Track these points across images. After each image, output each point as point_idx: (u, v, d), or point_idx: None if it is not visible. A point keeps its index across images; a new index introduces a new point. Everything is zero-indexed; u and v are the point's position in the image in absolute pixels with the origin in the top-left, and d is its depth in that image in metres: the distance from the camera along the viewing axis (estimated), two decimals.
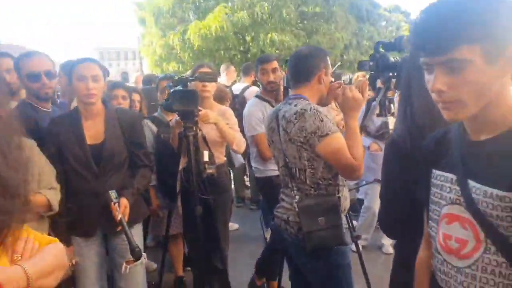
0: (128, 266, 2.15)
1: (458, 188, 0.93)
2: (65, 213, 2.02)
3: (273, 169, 2.69)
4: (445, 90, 0.84)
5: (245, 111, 2.96)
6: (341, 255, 1.81)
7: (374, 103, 1.91)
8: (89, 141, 2.14)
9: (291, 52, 13.10)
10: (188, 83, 2.49)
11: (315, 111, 1.73)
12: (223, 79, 6.17)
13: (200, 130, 2.53)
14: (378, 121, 3.01)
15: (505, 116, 0.87)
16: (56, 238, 1.17)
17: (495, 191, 0.84)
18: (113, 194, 2.05)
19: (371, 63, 1.89)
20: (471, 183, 0.89)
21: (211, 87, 2.71)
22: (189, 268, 3.25)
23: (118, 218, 2.00)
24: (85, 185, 2.12)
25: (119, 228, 2.05)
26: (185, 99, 2.37)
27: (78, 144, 2.11)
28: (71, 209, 2.06)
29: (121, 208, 2.05)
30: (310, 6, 15.13)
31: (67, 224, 2.06)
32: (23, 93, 2.52)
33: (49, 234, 1.95)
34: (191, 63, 14.66)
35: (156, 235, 3.67)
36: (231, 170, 4.51)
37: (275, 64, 2.91)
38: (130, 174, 2.26)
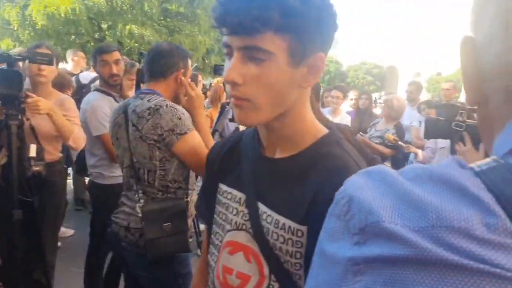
0: None
1: (246, 211, 0.78)
2: None
3: (119, 175, 2.44)
4: (240, 83, 0.69)
5: (86, 106, 2.55)
6: (182, 263, 1.72)
7: (227, 107, 1.89)
8: None
9: (151, 46, 12.71)
10: (17, 62, 2.07)
11: (172, 108, 1.61)
12: (69, 66, 5.56)
13: (28, 119, 2.12)
14: (232, 126, 3.04)
15: (302, 134, 0.76)
16: None
17: (288, 222, 0.71)
18: None
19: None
20: (262, 207, 0.76)
21: (48, 71, 2.31)
22: (1, 284, 2.72)
23: None
24: None
25: None
26: (6, 81, 1.95)
27: None
28: None
29: None
30: (174, 4, 14.89)
31: None
32: None
33: None
34: (32, 42, 12.75)
35: None
36: (70, 168, 4.00)
37: (117, 55, 2.60)
38: None
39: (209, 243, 0.90)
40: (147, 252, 1.60)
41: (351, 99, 4.90)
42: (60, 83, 3.02)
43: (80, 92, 4.58)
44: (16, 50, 5.98)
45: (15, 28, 12.22)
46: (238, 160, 0.84)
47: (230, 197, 0.83)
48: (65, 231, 3.78)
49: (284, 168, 0.76)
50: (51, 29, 12.03)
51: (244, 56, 0.68)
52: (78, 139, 2.34)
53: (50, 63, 2.16)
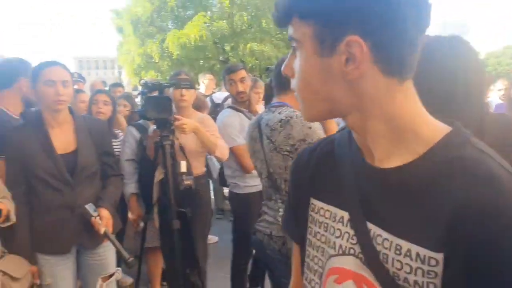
0: (104, 283, 2.05)
1: (352, 232, 0.65)
2: (29, 230, 1.90)
3: (253, 185, 2.58)
4: (291, 76, 0.65)
5: (219, 122, 2.81)
6: None
7: None
8: (58, 151, 1.98)
9: (271, 62, 13.26)
10: (164, 90, 2.37)
11: (301, 118, 1.64)
12: (201, 89, 6.09)
13: (177, 139, 2.40)
14: None
15: (407, 135, 0.62)
16: None
17: (416, 248, 0.57)
18: (90, 208, 1.94)
19: None
20: (374, 228, 0.62)
21: (189, 95, 2.59)
22: (165, 283, 3.10)
23: (102, 231, 1.93)
24: (58, 198, 1.95)
25: (105, 241, 2.01)
26: (159, 106, 2.24)
27: (47, 155, 1.93)
28: (40, 225, 1.92)
29: (104, 220, 1.97)
30: None
31: (32, 241, 1.91)
32: None
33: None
34: (170, 72, 14.52)
35: (133, 248, 3.49)
36: (210, 181, 4.38)
37: (242, 73, 2.80)
38: (102, 185, 2.15)
39: (303, 266, 0.78)
40: (290, 259, 1.64)
41: (499, 90, 4.28)
42: (197, 105, 3.35)
43: (215, 111, 5.03)
44: (148, 79, 6.90)
45: (156, 61, 14.12)
46: (333, 170, 0.71)
47: (329, 215, 0.70)
48: (210, 238, 4.13)
49: (399, 179, 0.61)
50: (184, 57, 13.53)
51: (293, 47, 0.64)
52: (223, 150, 2.57)
53: (191, 86, 2.43)
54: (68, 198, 1.96)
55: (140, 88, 4.97)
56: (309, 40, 0.59)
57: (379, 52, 0.56)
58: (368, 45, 0.56)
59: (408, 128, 0.61)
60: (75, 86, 4.61)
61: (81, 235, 2.01)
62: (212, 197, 4.96)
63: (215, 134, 2.62)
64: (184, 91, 2.53)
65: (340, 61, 0.58)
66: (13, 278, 1.68)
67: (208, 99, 5.33)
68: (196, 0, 13.68)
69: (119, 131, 3.23)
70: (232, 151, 2.69)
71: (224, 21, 13.37)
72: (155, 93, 2.37)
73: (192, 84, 2.44)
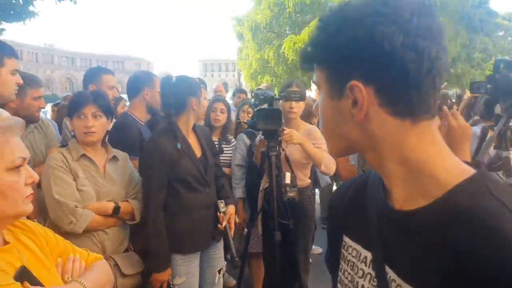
0: (220, 274, 2.25)
1: (373, 273, 0.66)
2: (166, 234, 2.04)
3: None
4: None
5: None
6: None
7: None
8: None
9: None
10: (274, 101, 2.40)
11: None
12: (313, 93, 5.98)
13: (283, 150, 2.41)
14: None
15: (421, 179, 0.60)
16: (100, 255, 1.23)
17: None
18: (221, 203, 2.20)
19: (488, 86, 1.54)
20: (390, 272, 0.62)
21: (298, 107, 2.59)
22: None
23: (223, 225, 2.15)
24: (198, 198, 2.13)
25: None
26: (269, 118, 2.28)
27: (190, 159, 2.11)
28: (182, 226, 2.09)
29: (228, 215, 2.20)
30: None
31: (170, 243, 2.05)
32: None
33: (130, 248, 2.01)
34: (285, 76, 14.83)
35: (238, 250, 3.63)
36: (317, 190, 4.31)
37: None
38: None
39: None
40: None
41: None
42: (308, 112, 3.31)
43: None
44: (263, 85, 7.03)
45: (272, 66, 14.53)
46: (363, 209, 0.71)
47: (355, 254, 0.71)
48: (314, 248, 4.06)
49: (413, 224, 0.60)
50: (299, 62, 13.63)
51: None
52: (329, 164, 2.49)
53: (301, 99, 2.42)
54: (206, 197, 2.16)
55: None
56: (324, 84, 0.65)
57: (383, 95, 0.58)
58: (371, 89, 0.58)
59: (424, 170, 0.60)
60: None
61: (213, 230, 2.20)
62: (318, 205, 4.91)
63: (322, 147, 2.55)
64: (293, 103, 2.53)
65: (348, 104, 0.61)
66: (122, 274, 1.82)
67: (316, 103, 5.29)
68: (314, 5, 13.67)
69: (232, 137, 3.38)
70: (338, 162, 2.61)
71: None
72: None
73: (302, 96, 2.42)
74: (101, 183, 1.90)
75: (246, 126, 3.17)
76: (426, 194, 0.59)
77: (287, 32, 15.18)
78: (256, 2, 15.07)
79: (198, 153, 2.18)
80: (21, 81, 1.82)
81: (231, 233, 2.23)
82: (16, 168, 0.97)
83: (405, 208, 0.61)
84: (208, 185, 2.15)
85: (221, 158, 3.20)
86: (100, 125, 1.90)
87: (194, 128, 2.23)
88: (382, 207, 0.67)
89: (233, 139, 3.32)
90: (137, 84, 2.54)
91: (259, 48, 14.96)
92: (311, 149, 2.46)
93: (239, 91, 6.01)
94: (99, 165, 1.92)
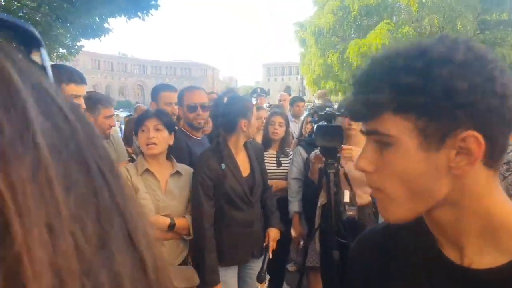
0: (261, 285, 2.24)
1: None
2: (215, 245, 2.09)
3: None
4: (370, 171, 0.60)
5: None
6: None
7: None
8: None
9: None
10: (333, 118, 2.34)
11: None
12: None
13: (342, 167, 2.34)
14: None
15: (503, 236, 0.56)
16: None
17: None
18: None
19: None
20: None
21: (357, 125, 2.50)
22: None
23: (266, 243, 2.22)
24: (240, 216, 2.18)
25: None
26: (328, 135, 2.23)
27: (236, 178, 2.15)
28: (224, 239, 2.14)
29: (271, 237, 2.26)
30: (494, 13, 13.06)
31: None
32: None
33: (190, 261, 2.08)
34: (349, 81, 14.45)
35: (296, 263, 3.61)
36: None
37: None
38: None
39: None
40: None
41: None
42: None
43: None
44: (319, 92, 6.85)
45: (336, 71, 14.26)
46: (398, 265, 0.65)
47: None
48: None
49: (490, 282, 0.55)
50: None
51: (372, 141, 0.61)
52: None
53: None
54: (249, 215, 2.19)
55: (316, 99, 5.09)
56: (410, 134, 0.56)
57: (489, 145, 0.54)
58: (482, 138, 0.53)
59: (503, 224, 0.57)
60: (257, 101, 5.06)
61: (253, 246, 2.23)
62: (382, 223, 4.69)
63: None
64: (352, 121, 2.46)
65: (448, 156, 0.55)
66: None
67: None
68: (380, 7, 13.18)
69: (290, 150, 3.37)
70: None
71: (411, 26, 12.46)
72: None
73: None
74: (161, 198, 1.98)
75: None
76: (505, 250, 0.56)
77: (352, 35, 14.82)
78: (319, 6, 14.89)
79: (245, 172, 2.20)
80: (83, 106, 1.88)
81: (269, 253, 2.25)
82: None
83: (477, 265, 0.57)
84: (252, 204, 2.18)
85: (278, 171, 3.21)
86: (161, 137, 1.99)
87: (245, 145, 2.26)
88: (434, 261, 0.62)
89: (291, 152, 3.30)
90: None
91: (322, 53, 14.75)
92: None
93: (297, 99, 5.92)
94: (161, 180, 2.01)
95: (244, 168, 2.22)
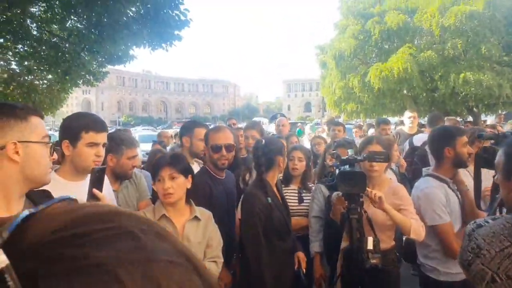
0: None
1: None
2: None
3: (456, 272, 2.19)
4: None
5: (418, 192, 2.48)
6: None
7: None
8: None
9: (491, 91, 11.37)
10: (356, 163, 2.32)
11: None
12: (406, 127, 5.52)
13: (365, 212, 2.30)
14: None
15: None
16: None
17: None
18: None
19: None
20: None
21: (380, 166, 2.46)
22: None
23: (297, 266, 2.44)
24: (283, 245, 2.41)
25: None
26: (351, 181, 2.20)
27: (279, 210, 2.40)
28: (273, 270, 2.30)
29: (301, 256, 2.53)
30: None
31: None
32: None
33: None
34: (371, 104, 14.33)
35: None
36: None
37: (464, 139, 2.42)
38: None
39: None
40: None
41: None
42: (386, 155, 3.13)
43: (411, 155, 4.56)
44: (331, 116, 6.76)
45: (357, 93, 14.18)
46: None
47: None
48: None
49: None
50: (386, 89, 13.12)
51: None
52: (419, 231, 2.28)
53: (385, 160, 2.30)
54: (288, 244, 2.44)
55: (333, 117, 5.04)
56: None
57: None
58: None
59: None
60: (280, 126, 5.07)
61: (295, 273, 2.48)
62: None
63: (409, 208, 2.37)
64: (380, 163, 2.42)
65: None
66: None
67: (407, 141, 4.93)
68: (401, 31, 13.14)
69: (312, 184, 3.32)
70: (434, 229, 2.35)
71: (433, 50, 12.33)
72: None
73: (386, 158, 2.30)
74: None
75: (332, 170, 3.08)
76: None
77: (373, 58, 14.77)
78: (340, 30, 14.98)
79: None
80: (101, 153, 1.85)
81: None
82: None
83: None
84: (290, 233, 2.42)
85: (300, 207, 3.15)
86: (177, 185, 2.02)
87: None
88: None
89: (313, 187, 3.25)
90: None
91: (343, 76, 14.72)
92: (398, 217, 2.27)
93: (334, 123, 5.73)
94: (177, 226, 2.03)
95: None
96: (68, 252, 0.30)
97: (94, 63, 7.32)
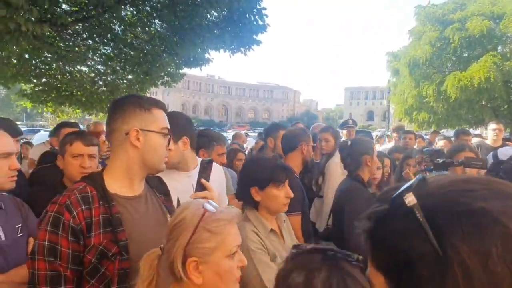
0: None
1: None
2: None
3: None
4: None
5: None
6: None
7: None
8: None
9: None
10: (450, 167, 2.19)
11: None
12: (489, 139, 5.15)
13: None
14: None
15: None
16: None
17: None
18: None
19: None
20: None
21: (473, 170, 2.30)
22: None
23: None
24: None
25: None
26: None
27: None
28: None
29: None
30: None
31: None
32: None
33: None
34: (445, 114, 13.53)
35: None
36: None
37: None
38: None
39: None
40: None
41: None
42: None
43: (496, 168, 4.22)
44: (396, 124, 6.35)
45: (430, 103, 13.43)
46: None
47: None
48: None
49: None
50: (463, 99, 12.29)
51: None
52: None
53: (483, 167, 2.16)
54: None
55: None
56: None
57: None
58: None
59: None
60: (349, 133, 4.92)
61: None
62: None
63: None
64: (468, 169, 2.26)
65: None
66: None
67: (491, 153, 4.58)
68: (484, 38, 12.22)
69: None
70: None
71: None
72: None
73: (484, 165, 2.14)
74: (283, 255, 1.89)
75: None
76: None
77: (449, 67, 13.91)
78: (415, 37, 14.30)
79: None
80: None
81: None
82: (232, 255, 1.09)
83: None
84: None
85: None
86: None
87: None
88: None
89: None
90: (295, 140, 2.70)
91: (417, 84, 14.01)
92: None
93: (405, 131, 5.47)
94: (278, 233, 1.88)
95: None
96: (462, 199, 0.43)
97: (173, 65, 7.64)
